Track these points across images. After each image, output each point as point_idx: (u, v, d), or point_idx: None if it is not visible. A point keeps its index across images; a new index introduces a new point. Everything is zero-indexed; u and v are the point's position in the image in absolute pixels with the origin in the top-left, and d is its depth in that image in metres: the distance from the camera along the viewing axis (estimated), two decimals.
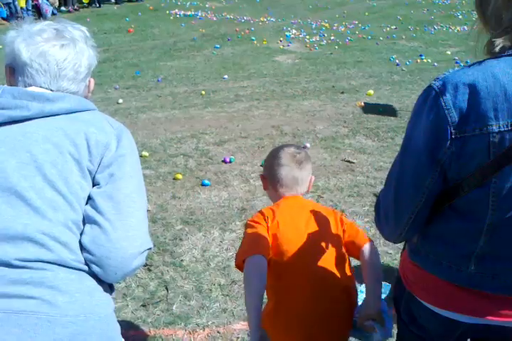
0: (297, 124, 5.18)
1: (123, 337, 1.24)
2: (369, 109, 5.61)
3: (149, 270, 2.81)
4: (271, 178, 1.70)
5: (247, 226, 1.60)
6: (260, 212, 1.64)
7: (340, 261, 1.56)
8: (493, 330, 1.16)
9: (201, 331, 2.37)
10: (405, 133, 1.07)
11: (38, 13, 12.77)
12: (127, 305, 2.53)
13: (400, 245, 1.47)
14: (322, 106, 5.84)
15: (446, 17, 12.63)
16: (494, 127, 0.93)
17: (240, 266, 1.47)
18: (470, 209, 1.05)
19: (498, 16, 0.98)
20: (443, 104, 0.96)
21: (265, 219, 1.56)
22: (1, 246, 1.03)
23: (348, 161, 4.23)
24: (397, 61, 8.01)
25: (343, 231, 1.62)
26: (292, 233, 1.55)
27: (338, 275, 1.54)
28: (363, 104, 5.82)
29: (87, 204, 1.15)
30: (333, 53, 8.83)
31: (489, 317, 1.12)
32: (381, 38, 10.14)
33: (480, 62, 0.97)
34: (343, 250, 1.60)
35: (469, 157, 0.97)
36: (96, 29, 10.79)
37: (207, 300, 2.57)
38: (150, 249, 1.20)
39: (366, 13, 13.65)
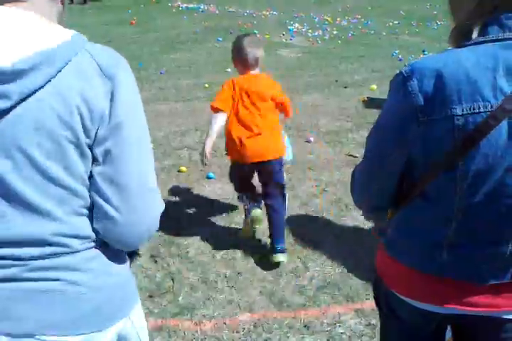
0: (300, 118, 5.18)
1: None
2: (372, 103, 5.62)
3: (155, 261, 2.84)
4: (238, 58, 2.79)
5: (222, 86, 2.76)
6: (230, 81, 2.75)
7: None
8: (468, 319, 1.19)
9: (207, 322, 2.40)
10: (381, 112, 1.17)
11: None
12: None
13: None
14: (325, 100, 5.85)
15: (449, 12, 12.57)
16: (458, 110, 0.96)
17: (212, 109, 2.73)
18: (439, 195, 1.07)
19: (459, 10, 1.08)
20: (410, 88, 1.00)
21: (233, 87, 2.71)
22: (19, 249, 1.05)
23: (352, 155, 4.25)
24: (399, 56, 8.01)
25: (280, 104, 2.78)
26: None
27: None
28: (366, 98, 5.83)
29: (91, 185, 1.08)
30: (336, 48, 8.82)
31: (462, 307, 1.14)
32: (384, 33, 10.13)
33: (446, 51, 1.03)
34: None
35: (436, 140, 1.00)
36: (98, 21, 10.76)
37: (212, 291, 2.60)
38: (162, 210, 1.18)
39: (369, 8, 13.62)
